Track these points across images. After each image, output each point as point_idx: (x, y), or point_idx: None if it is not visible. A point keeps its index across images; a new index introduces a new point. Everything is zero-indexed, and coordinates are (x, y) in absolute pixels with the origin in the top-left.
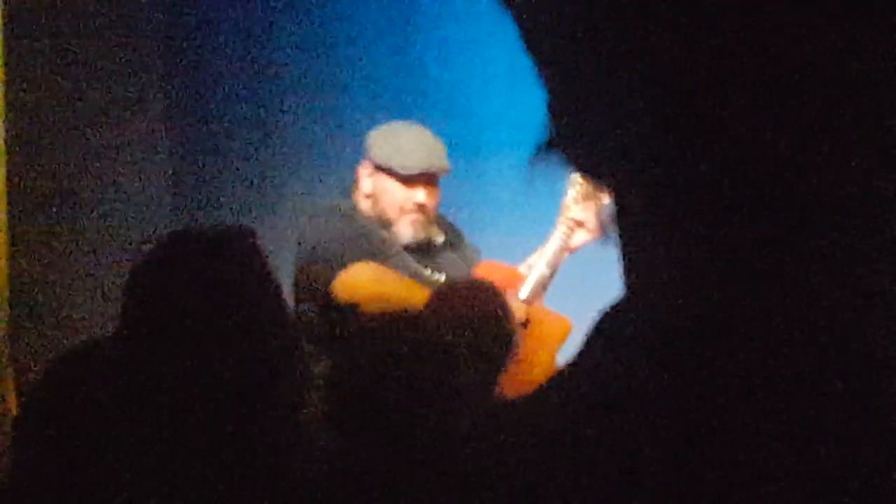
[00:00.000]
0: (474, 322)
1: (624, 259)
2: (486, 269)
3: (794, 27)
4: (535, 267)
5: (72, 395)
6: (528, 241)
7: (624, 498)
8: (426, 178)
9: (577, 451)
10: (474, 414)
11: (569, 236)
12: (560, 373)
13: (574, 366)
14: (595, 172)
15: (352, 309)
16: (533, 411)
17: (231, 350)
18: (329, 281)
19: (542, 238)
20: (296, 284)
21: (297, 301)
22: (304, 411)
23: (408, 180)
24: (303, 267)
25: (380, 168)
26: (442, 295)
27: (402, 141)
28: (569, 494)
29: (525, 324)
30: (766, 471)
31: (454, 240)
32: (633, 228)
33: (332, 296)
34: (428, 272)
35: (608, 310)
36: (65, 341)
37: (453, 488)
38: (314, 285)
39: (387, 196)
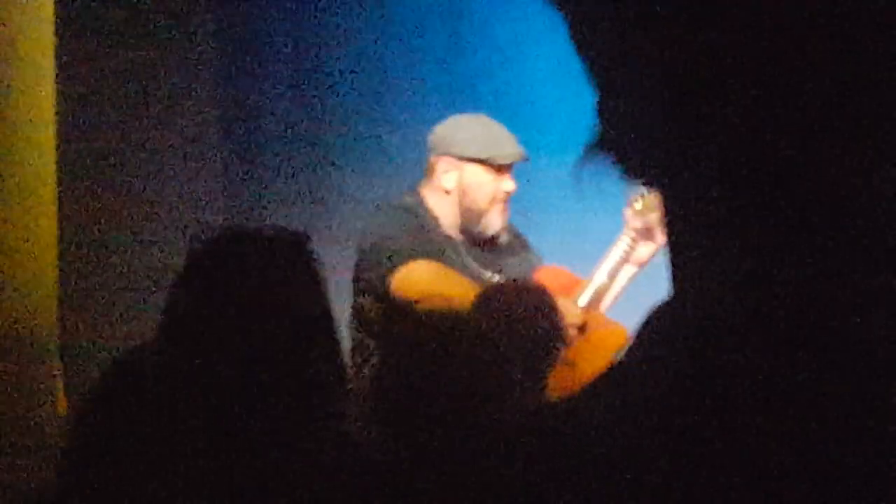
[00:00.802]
0: (522, 322)
1: (672, 261)
2: (546, 273)
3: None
4: (595, 275)
5: (121, 396)
6: (594, 251)
7: (670, 497)
8: (509, 167)
9: (623, 452)
10: (521, 414)
11: (632, 248)
12: (607, 374)
13: (622, 367)
14: (643, 175)
15: (408, 305)
16: (580, 412)
17: (274, 353)
18: (388, 276)
19: (608, 247)
20: (356, 278)
21: (356, 294)
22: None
23: (499, 170)
24: (363, 260)
25: (469, 160)
26: (491, 294)
27: (487, 132)
28: (614, 494)
29: (582, 329)
30: (811, 471)
31: (517, 244)
32: (680, 231)
33: (390, 291)
34: (488, 273)
35: (655, 311)
36: (115, 341)
37: (495, 487)
38: (374, 279)
39: (479, 188)
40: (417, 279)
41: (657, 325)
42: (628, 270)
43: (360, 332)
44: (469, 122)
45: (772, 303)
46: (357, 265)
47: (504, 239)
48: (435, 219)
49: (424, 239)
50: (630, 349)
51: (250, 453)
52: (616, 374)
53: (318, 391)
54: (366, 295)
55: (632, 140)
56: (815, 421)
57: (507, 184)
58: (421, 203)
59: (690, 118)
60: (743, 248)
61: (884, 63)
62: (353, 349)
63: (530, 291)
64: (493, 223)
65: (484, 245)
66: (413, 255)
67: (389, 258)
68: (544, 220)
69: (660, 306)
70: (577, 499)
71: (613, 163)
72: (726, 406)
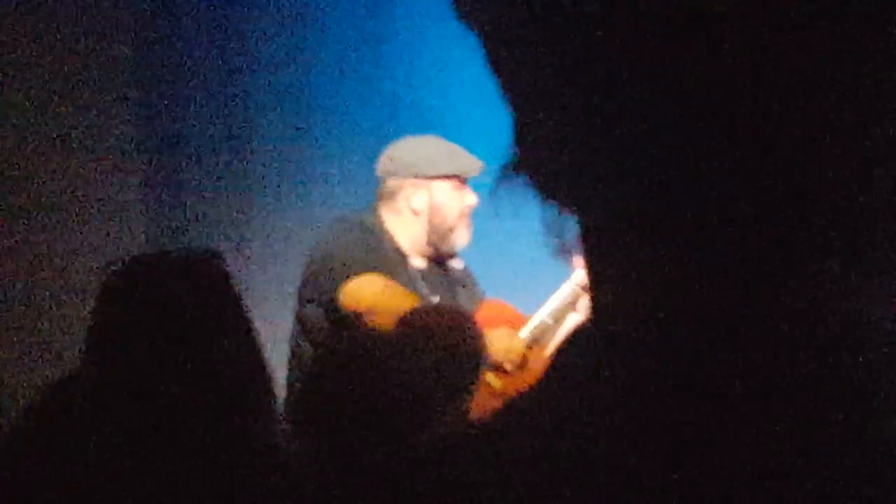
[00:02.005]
0: (442, 344)
1: (591, 282)
2: (490, 306)
3: (774, 34)
4: (538, 313)
5: (43, 424)
6: (543, 290)
7: None
8: (465, 181)
9: (543, 472)
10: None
11: (579, 294)
12: (525, 395)
13: (541, 388)
14: (558, 196)
15: (354, 317)
16: (499, 433)
17: (196, 373)
18: (338, 287)
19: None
20: (303, 286)
21: (302, 302)
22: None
23: (463, 184)
24: (313, 271)
25: (437, 178)
26: (417, 313)
27: (446, 149)
28: None
29: (522, 364)
30: (754, 473)
31: (466, 275)
32: (596, 250)
33: (338, 302)
34: (436, 299)
35: (574, 334)
36: (37, 359)
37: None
38: (323, 289)
39: (449, 204)
40: (366, 292)
41: (576, 345)
42: (574, 318)
43: (301, 342)
44: (425, 143)
45: (689, 323)
46: (306, 275)
47: (460, 266)
48: (391, 240)
49: (379, 257)
50: (550, 370)
51: (177, 470)
52: (535, 395)
53: (241, 409)
54: (312, 304)
55: (546, 161)
56: (738, 437)
57: (470, 197)
58: (379, 223)
59: (606, 139)
60: (660, 269)
61: (821, 66)
62: (291, 359)
63: (456, 315)
64: (461, 238)
65: (437, 272)
66: (365, 269)
67: (341, 269)
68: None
69: (579, 327)
70: None
71: (528, 184)
72: (646, 425)
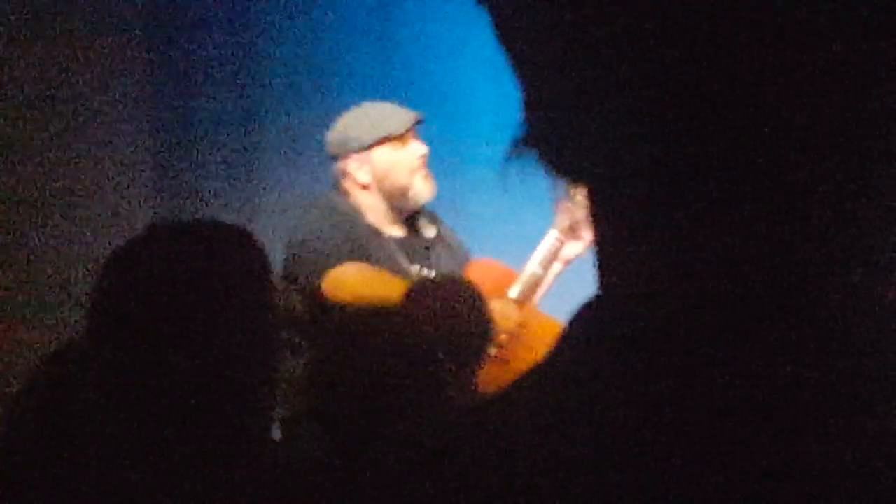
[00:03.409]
0: (451, 318)
1: (599, 259)
2: (479, 266)
3: (787, 25)
4: (527, 266)
5: (50, 398)
6: (527, 244)
7: (602, 496)
8: (412, 133)
9: (553, 448)
10: (453, 410)
11: (562, 242)
12: (536, 371)
13: (551, 363)
14: (569, 172)
15: (338, 308)
16: (509, 410)
17: (207, 346)
18: (317, 278)
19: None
20: (284, 279)
21: (284, 296)
22: (282, 408)
23: (403, 139)
24: (291, 263)
25: (371, 146)
26: (420, 291)
27: (373, 113)
28: (545, 492)
29: (517, 327)
30: (744, 470)
31: (447, 237)
32: (608, 228)
33: (319, 293)
34: (416, 269)
35: (583, 309)
36: (42, 340)
37: (430, 483)
38: (302, 282)
39: (394, 166)
40: (348, 282)
41: (586, 321)
42: (556, 267)
43: (288, 331)
44: (354, 115)
45: (700, 301)
46: (286, 265)
47: (431, 233)
48: (361, 217)
49: (353, 236)
50: (559, 344)
51: (179, 450)
52: (546, 370)
53: (250, 388)
54: (295, 295)
55: (557, 136)
56: (747, 419)
57: (418, 148)
58: (345, 203)
59: (618, 114)
60: (672, 246)
61: (818, 52)
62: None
63: (459, 286)
64: (422, 191)
65: (416, 239)
66: (342, 253)
67: (320, 258)
68: (477, 216)
69: (588, 303)
70: (510, 494)
71: (539, 159)
72: (656, 402)
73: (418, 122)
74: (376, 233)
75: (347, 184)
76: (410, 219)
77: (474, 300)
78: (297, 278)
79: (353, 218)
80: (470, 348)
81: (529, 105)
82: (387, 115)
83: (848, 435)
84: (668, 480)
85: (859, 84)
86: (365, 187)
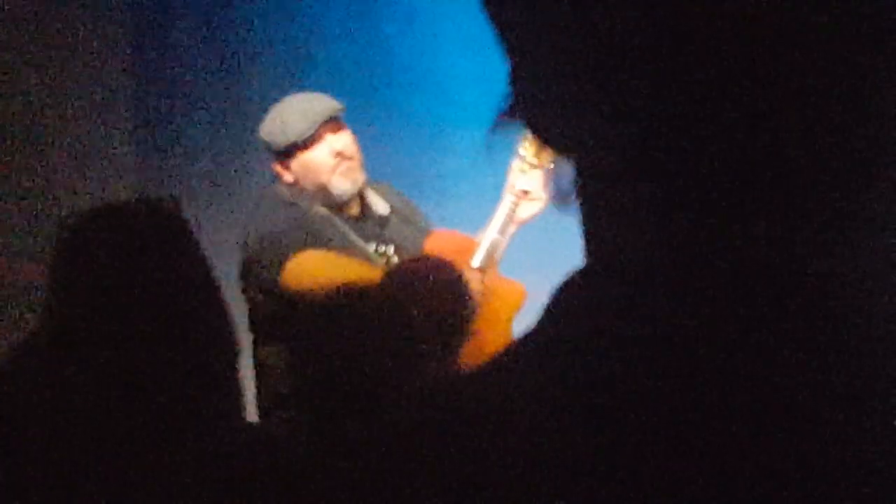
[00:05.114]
0: (431, 297)
1: (585, 229)
2: (439, 238)
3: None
4: (486, 233)
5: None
6: (484, 211)
7: (579, 473)
8: (329, 128)
9: (533, 424)
10: (435, 387)
11: (516, 205)
12: (517, 343)
13: (531, 337)
14: (557, 140)
15: (302, 296)
16: (489, 384)
17: (157, 326)
18: (277, 270)
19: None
20: (245, 273)
21: (246, 290)
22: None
23: (314, 140)
24: (250, 256)
25: (283, 153)
26: (396, 272)
27: (287, 113)
28: (525, 467)
29: (481, 293)
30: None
31: (403, 209)
32: (595, 198)
33: (282, 285)
34: (374, 246)
35: (567, 280)
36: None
37: (415, 462)
38: (263, 275)
39: (309, 166)
40: (307, 269)
41: (571, 294)
42: (512, 229)
43: (253, 327)
44: (272, 115)
45: (689, 277)
46: (245, 263)
47: (385, 211)
48: (309, 202)
49: (305, 224)
50: (541, 319)
51: (146, 446)
52: (531, 344)
53: (205, 361)
54: (257, 291)
55: (543, 106)
56: (734, 400)
57: (335, 142)
58: (289, 190)
59: (604, 82)
60: (660, 218)
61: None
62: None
63: (435, 264)
64: (341, 186)
65: (370, 217)
66: (297, 243)
67: (276, 250)
68: (441, 185)
69: (573, 276)
70: (493, 472)
71: (527, 128)
72: (643, 376)
73: (336, 115)
74: (327, 217)
75: (284, 177)
76: (361, 196)
77: (453, 276)
78: (258, 275)
79: (301, 207)
80: (453, 324)
81: (517, 74)
82: (297, 115)
83: (843, 426)
84: (649, 454)
85: (858, 81)
86: (295, 183)
